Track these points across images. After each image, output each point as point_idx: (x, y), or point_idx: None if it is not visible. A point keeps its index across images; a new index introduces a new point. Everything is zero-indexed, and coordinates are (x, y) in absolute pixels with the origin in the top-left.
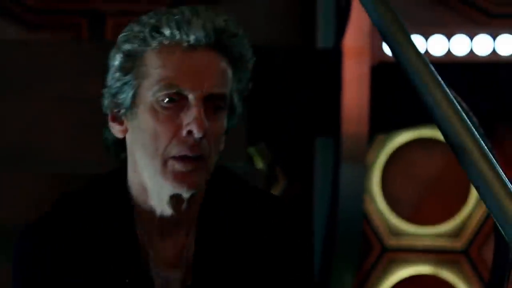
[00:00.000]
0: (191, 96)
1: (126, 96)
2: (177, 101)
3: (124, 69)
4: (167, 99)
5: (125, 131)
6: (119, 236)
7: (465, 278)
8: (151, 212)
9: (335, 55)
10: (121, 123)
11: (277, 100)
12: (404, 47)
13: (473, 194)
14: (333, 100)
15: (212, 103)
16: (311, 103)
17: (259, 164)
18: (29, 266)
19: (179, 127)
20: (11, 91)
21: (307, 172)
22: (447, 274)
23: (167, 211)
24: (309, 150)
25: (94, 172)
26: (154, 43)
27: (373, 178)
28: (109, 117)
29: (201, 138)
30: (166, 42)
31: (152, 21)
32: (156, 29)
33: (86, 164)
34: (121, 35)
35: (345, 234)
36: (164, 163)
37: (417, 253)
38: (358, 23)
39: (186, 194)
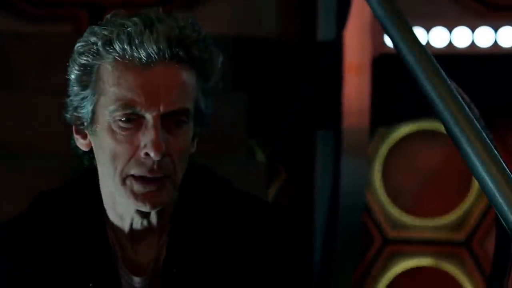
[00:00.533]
0: (148, 116)
1: (86, 111)
2: (135, 121)
3: (82, 83)
4: (123, 119)
5: (89, 145)
6: (89, 239)
7: (466, 270)
8: (121, 220)
9: (335, 48)
10: (84, 136)
11: (278, 93)
12: (405, 39)
13: (474, 186)
14: (333, 92)
15: (173, 119)
16: (312, 96)
17: (260, 157)
18: (3, 264)
19: (137, 148)
20: (10, 84)
21: (307, 164)
22: (448, 266)
23: (137, 221)
24: (309, 143)
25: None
26: (108, 58)
27: (374, 171)
28: (73, 130)
29: (160, 160)
30: (119, 58)
31: (105, 32)
32: (109, 44)
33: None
34: (77, 44)
35: (346, 226)
36: (123, 181)
37: (418, 245)
38: (359, 15)
39: (150, 211)
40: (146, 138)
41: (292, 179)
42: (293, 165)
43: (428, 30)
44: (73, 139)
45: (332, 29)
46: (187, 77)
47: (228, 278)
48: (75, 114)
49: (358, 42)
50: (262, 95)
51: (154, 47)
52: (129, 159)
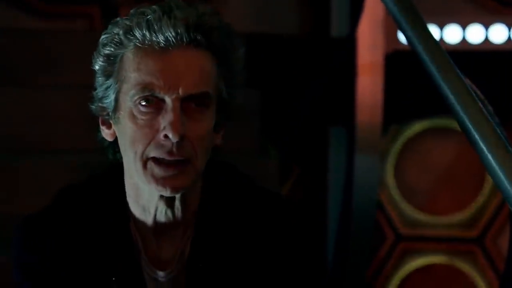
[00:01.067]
0: (167, 99)
1: (110, 100)
2: (155, 105)
3: (106, 73)
4: (143, 103)
5: (114, 134)
6: (113, 234)
7: (479, 268)
8: (145, 212)
9: (349, 44)
10: (109, 127)
11: (291, 89)
12: (419, 35)
13: (488, 183)
14: (346, 89)
15: (193, 103)
16: (325, 92)
17: (273, 154)
18: (27, 256)
19: (157, 131)
20: (23, 81)
21: (320, 162)
22: (461, 264)
23: (162, 210)
24: (322, 140)
25: (105, 162)
26: (129, 46)
27: (387, 168)
28: (100, 121)
29: (180, 142)
30: (139, 44)
31: (127, 22)
32: (129, 31)
33: (98, 154)
34: (102, 37)
35: (359, 223)
36: (144, 165)
37: (431, 242)
38: (372, 12)
39: (171, 195)
40: (165, 120)
41: (305, 176)
42: (306, 162)
43: (442, 27)
44: (100, 131)
45: (345, 26)
46: (207, 62)
47: (250, 273)
48: (99, 104)
49: (371, 39)
50: (276, 92)
51: (172, 31)
52: (149, 142)
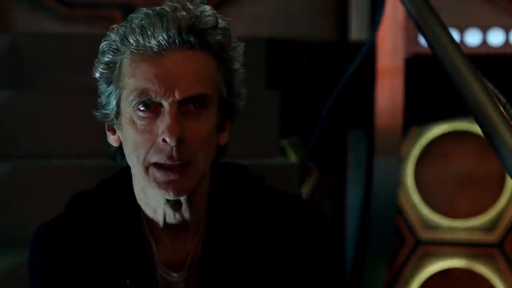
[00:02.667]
0: (164, 103)
1: (112, 107)
2: (153, 109)
3: (107, 80)
4: (142, 108)
5: (119, 140)
6: (126, 237)
7: (499, 272)
8: (155, 214)
9: (369, 48)
10: (114, 132)
11: (310, 93)
12: (440, 39)
13: (508, 187)
14: (366, 92)
15: (192, 104)
16: (345, 95)
17: (292, 157)
18: (43, 264)
19: (156, 136)
20: (44, 84)
21: (340, 164)
22: (481, 268)
23: (170, 213)
24: (342, 143)
25: (119, 166)
26: (126, 52)
27: (406, 171)
28: (106, 127)
29: (179, 145)
30: (134, 50)
31: (123, 29)
32: (125, 38)
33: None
34: (101, 44)
35: (379, 227)
36: (146, 170)
37: (450, 246)
38: (392, 15)
39: (175, 199)
40: (163, 124)
41: (324, 179)
42: (325, 165)
43: (462, 30)
44: (106, 137)
45: (364, 29)
46: (203, 63)
47: (262, 274)
48: (103, 111)
49: (391, 43)
50: (296, 95)
51: (164, 35)
52: (150, 148)
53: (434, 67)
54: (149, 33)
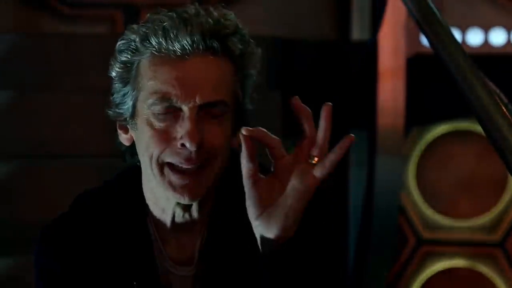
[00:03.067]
0: (184, 108)
1: (127, 107)
2: (172, 113)
3: (123, 80)
4: (161, 111)
5: (131, 139)
6: (132, 235)
7: (501, 271)
8: (163, 213)
9: (371, 48)
10: (126, 131)
11: (312, 93)
12: (442, 39)
13: (510, 187)
14: (368, 92)
15: (211, 110)
16: (346, 95)
17: None
18: (48, 264)
19: (174, 139)
20: (46, 84)
21: (341, 164)
22: (482, 268)
23: (179, 213)
24: None
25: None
26: (146, 53)
27: (408, 171)
28: (117, 125)
29: (197, 150)
30: (155, 52)
31: (143, 29)
32: (146, 39)
33: (120, 157)
34: (118, 43)
35: (381, 227)
36: (161, 170)
37: (452, 246)
38: (394, 15)
39: (190, 203)
40: (182, 129)
41: (326, 179)
42: None
43: (464, 30)
44: (117, 135)
45: (366, 29)
46: (224, 69)
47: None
48: (117, 110)
49: (393, 43)
50: (297, 95)
51: (188, 40)
52: (165, 148)
53: (435, 67)
54: (172, 36)
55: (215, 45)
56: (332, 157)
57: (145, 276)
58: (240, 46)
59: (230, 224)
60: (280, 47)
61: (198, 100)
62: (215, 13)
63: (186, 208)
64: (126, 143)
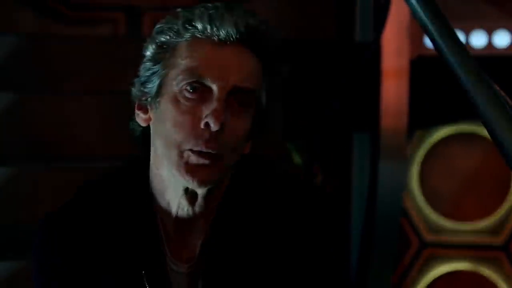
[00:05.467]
0: (214, 87)
1: (153, 85)
2: (201, 93)
3: (155, 59)
4: (190, 89)
5: (149, 120)
6: (137, 228)
7: (505, 275)
8: (168, 206)
9: (373, 49)
10: (145, 111)
11: (315, 95)
12: (447, 41)
13: None
14: (371, 94)
15: (238, 98)
16: (349, 97)
17: (297, 159)
18: (50, 255)
19: (198, 120)
20: (48, 86)
21: (344, 167)
22: (486, 271)
23: (183, 206)
24: (346, 145)
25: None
26: (187, 35)
27: (411, 174)
28: (136, 106)
29: (218, 132)
30: (198, 34)
31: (187, 14)
32: (189, 22)
33: (123, 158)
34: (157, 26)
35: (384, 230)
36: (181, 154)
37: (456, 249)
38: (397, 17)
39: (197, 189)
40: (208, 109)
41: (328, 182)
42: (329, 167)
43: (467, 32)
44: (133, 120)
45: (369, 30)
46: (257, 66)
47: (268, 268)
48: (141, 88)
49: (396, 44)
50: (299, 96)
51: (234, 28)
52: (190, 132)
53: (439, 69)
54: (217, 23)
55: (255, 40)
56: None
57: (151, 268)
58: (271, 50)
59: (234, 229)
60: (283, 49)
61: (230, 82)
62: (258, 17)
63: (192, 201)
64: (143, 124)
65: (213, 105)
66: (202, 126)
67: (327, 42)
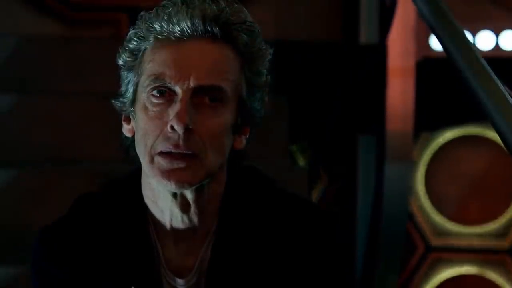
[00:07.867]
0: (177, 89)
1: (129, 94)
2: (166, 96)
3: (128, 67)
4: (157, 93)
5: (132, 130)
6: (132, 240)
7: (511, 278)
8: (162, 216)
9: (380, 51)
10: (129, 122)
11: (320, 97)
12: (455, 41)
13: None
14: (377, 96)
15: (207, 97)
16: (354, 100)
17: (301, 162)
18: (46, 267)
19: (165, 123)
20: (49, 88)
21: (350, 169)
22: (492, 274)
23: (177, 215)
24: (352, 148)
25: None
26: (150, 39)
27: (417, 176)
28: (122, 117)
29: (187, 134)
30: (158, 36)
31: (150, 16)
32: (151, 25)
33: (124, 161)
34: (129, 33)
35: (389, 233)
36: (151, 159)
37: (461, 253)
38: (403, 18)
39: (178, 190)
40: (173, 111)
41: (334, 184)
42: (335, 170)
43: (474, 34)
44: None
45: (374, 32)
46: (225, 57)
47: (273, 279)
48: (121, 99)
49: (402, 46)
50: (305, 99)
51: (188, 22)
52: (158, 136)
53: (445, 70)
54: (174, 20)
55: (215, 30)
56: None
57: (144, 283)
58: (245, 37)
59: (239, 235)
60: (287, 50)
61: (192, 83)
62: (223, 3)
63: (184, 208)
64: (128, 134)
65: (177, 106)
66: (169, 129)
67: (332, 44)
